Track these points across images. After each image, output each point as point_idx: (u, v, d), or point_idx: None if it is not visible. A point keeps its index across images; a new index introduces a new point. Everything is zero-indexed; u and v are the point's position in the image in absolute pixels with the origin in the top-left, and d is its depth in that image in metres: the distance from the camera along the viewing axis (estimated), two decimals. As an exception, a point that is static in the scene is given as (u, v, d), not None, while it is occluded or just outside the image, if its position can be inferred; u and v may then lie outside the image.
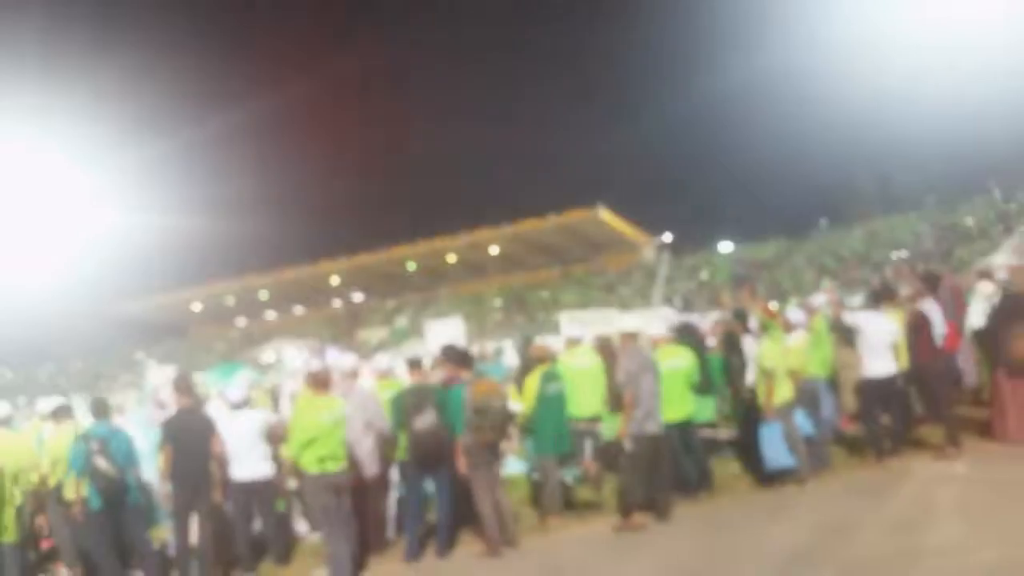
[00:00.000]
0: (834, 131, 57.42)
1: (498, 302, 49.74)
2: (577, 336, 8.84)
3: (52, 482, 7.36)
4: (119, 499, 6.83)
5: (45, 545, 8.32)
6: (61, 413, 7.72)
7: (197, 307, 57.32)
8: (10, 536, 6.19)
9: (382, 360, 8.90)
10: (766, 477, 7.42)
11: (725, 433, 8.96)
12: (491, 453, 6.84)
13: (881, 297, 8.38)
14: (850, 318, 8.36)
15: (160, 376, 14.21)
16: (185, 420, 6.97)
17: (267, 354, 30.88)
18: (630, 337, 7.36)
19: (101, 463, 6.65)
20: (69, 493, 7.07)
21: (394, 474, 7.54)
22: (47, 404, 8.89)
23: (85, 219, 47.38)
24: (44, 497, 7.64)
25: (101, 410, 7.34)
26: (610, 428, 7.77)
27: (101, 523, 6.87)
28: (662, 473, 7.05)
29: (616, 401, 7.16)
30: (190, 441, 6.84)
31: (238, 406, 7.29)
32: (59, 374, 52.43)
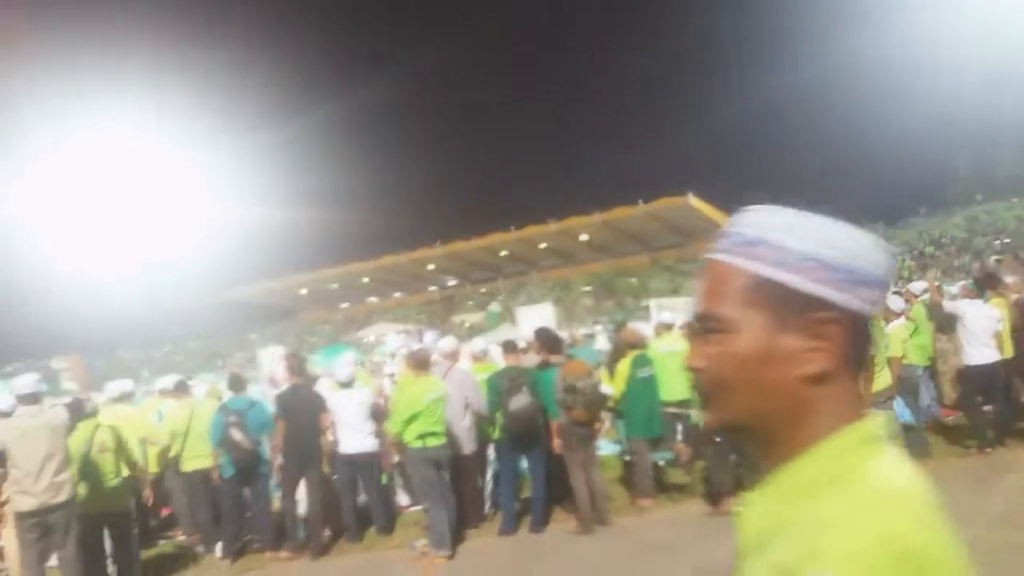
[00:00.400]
0: (933, 117, 54.73)
1: (587, 288, 49.79)
2: (668, 321, 8.93)
3: (171, 453, 7.96)
4: (251, 469, 7.35)
5: (164, 512, 9.00)
6: (180, 389, 8.30)
7: (304, 292, 59.67)
8: (120, 504, 6.70)
9: (478, 343, 9.21)
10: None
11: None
12: (584, 432, 7.03)
13: (985, 285, 8.14)
14: (951, 306, 8.16)
15: (270, 356, 15.02)
16: (296, 396, 7.41)
17: (369, 336, 31.98)
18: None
19: (236, 434, 7.17)
20: (188, 464, 7.65)
21: (490, 452, 7.83)
22: (166, 381, 9.58)
23: (202, 209, 49.95)
24: (163, 468, 8.27)
25: (238, 385, 7.91)
26: (700, 413, 7.83)
27: (231, 489, 7.43)
28: (748, 459, 7.11)
29: None
30: (300, 416, 7.28)
31: (346, 384, 7.71)
32: (176, 353, 55.57)
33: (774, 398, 0.88)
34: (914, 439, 7.56)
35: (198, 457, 7.60)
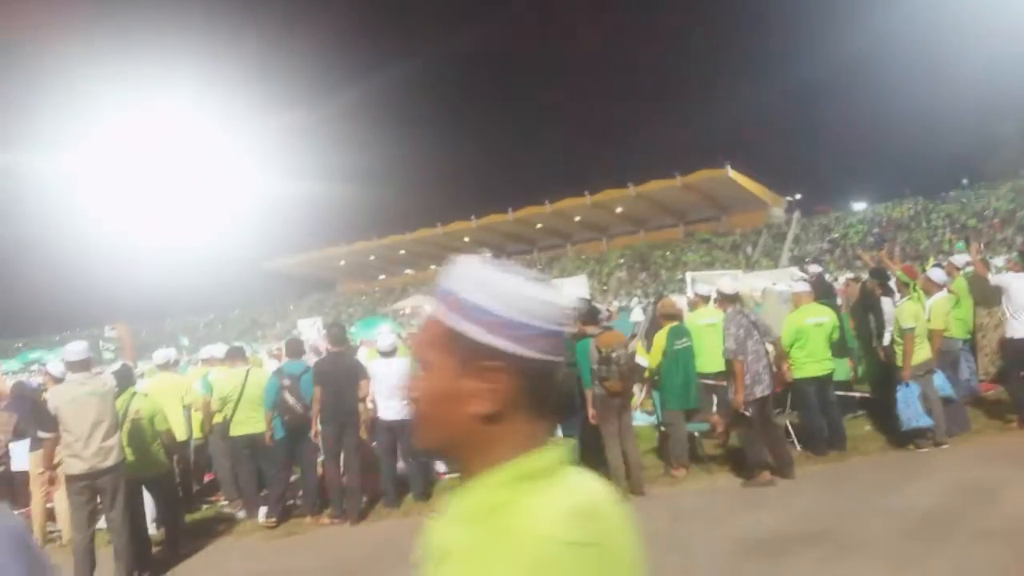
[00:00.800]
0: (977, 88, 53.14)
1: (621, 261, 49.57)
2: (705, 293, 8.90)
3: (218, 419, 8.14)
4: (301, 432, 7.52)
5: (207, 478, 9.24)
6: (235, 355, 8.50)
7: (342, 263, 60.33)
8: (157, 469, 6.92)
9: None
10: (900, 438, 7.31)
11: (859, 393, 8.82)
12: (619, 402, 7.06)
13: (1031, 257, 7.97)
14: (997, 279, 8.00)
15: (309, 326, 15.25)
16: (334, 364, 7.53)
17: (405, 308, 32.17)
18: (730, 300, 7.32)
19: (289, 398, 7.34)
20: (237, 429, 7.83)
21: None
22: (212, 349, 9.79)
23: (244, 183, 50.59)
24: (207, 433, 8.47)
25: (295, 350, 8.11)
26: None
27: (280, 451, 7.60)
28: (774, 431, 7.13)
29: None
30: (340, 383, 7.40)
31: (387, 353, 7.82)
32: (218, 322, 56.57)
33: (454, 431, 1.00)
34: (954, 413, 7.47)
35: (247, 422, 7.76)
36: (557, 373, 1.02)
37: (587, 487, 1.01)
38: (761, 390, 6.91)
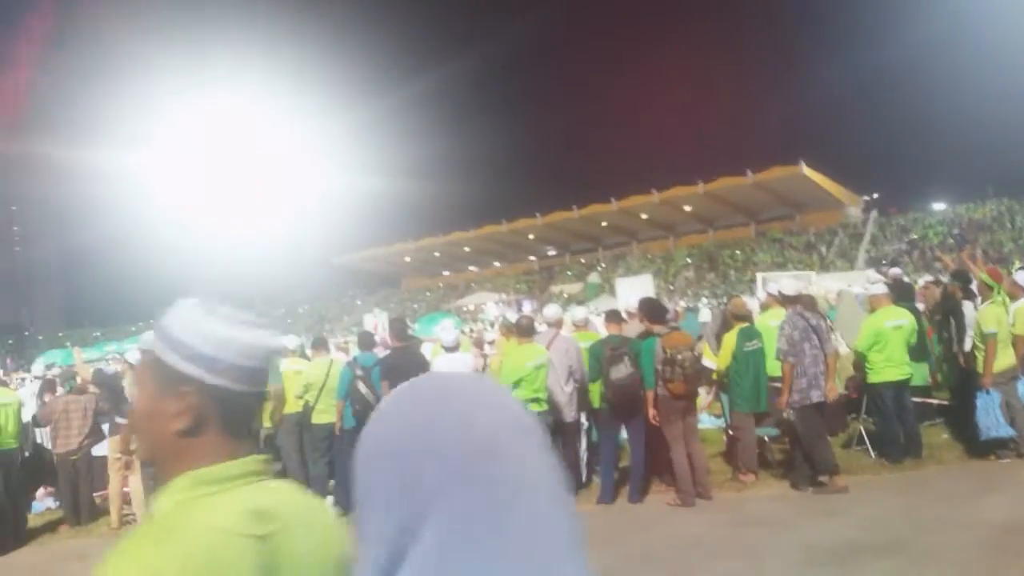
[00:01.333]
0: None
1: (689, 260, 48.87)
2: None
3: (292, 408, 8.33)
4: None
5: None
6: (319, 345, 8.69)
7: (408, 259, 61.13)
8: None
9: (579, 312, 9.20)
10: (979, 448, 7.02)
11: (938, 399, 8.51)
12: (684, 404, 6.96)
13: None
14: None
15: (375, 321, 15.50)
16: (401, 357, 7.64)
17: (468, 305, 32.55)
18: (792, 301, 7.15)
19: (362, 388, 7.52)
20: (320, 417, 8.00)
21: (584, 421, 7.83)
22: (284, 340, 10.03)
23: (312, 179, 51.78)
24: (276, 424, 8.67)
25: (367, 342, 8.30)
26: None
27: (352, 441, 7.73)
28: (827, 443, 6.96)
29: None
30: (405, 376, 7.44)
31: (451, 348, 7.88)
32: (287, 316, 58.02)
33: (158, 443, 1.19)
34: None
35: (329, 411, 7.99)
36: (249, 400, 1.20)
37: (274, 493, 1.18)
38: (818, 395, 6.75)
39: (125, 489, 8.17)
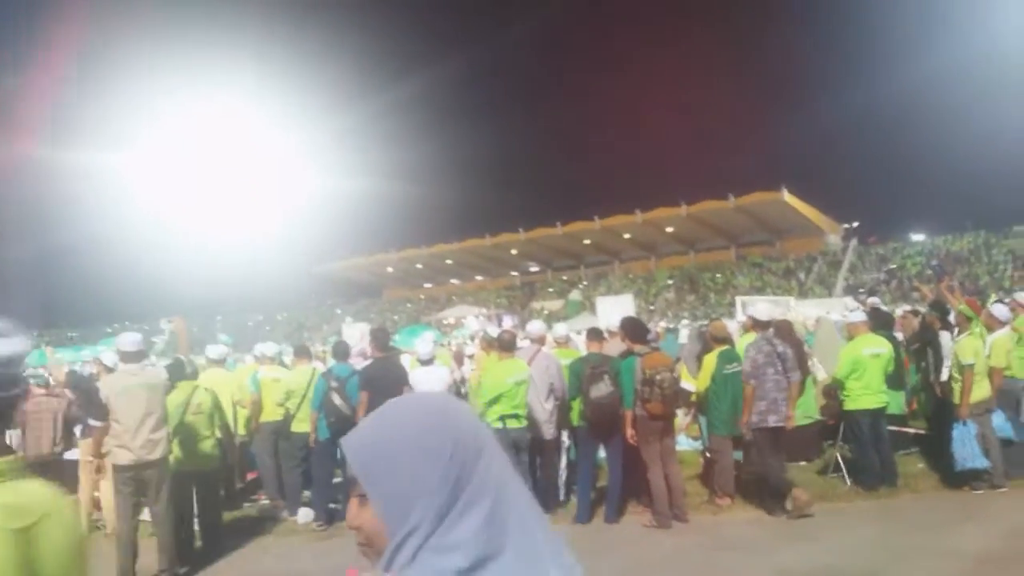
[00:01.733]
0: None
1: (670, 282, 49.11)
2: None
3: (269, 417, 8.24)
4: (345, 433, 7.53)
5: (250, 476, 9.32)
6: (302, 353, 8.59)
7: (390, 270, 60.93)
8: (210, 464, 6.98)
9: (560, 329, 9.20)
10: (954, 478, 7.06)
11: (914, 428, 8.56)
12: (662, 425, 6.95)
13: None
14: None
15: (355, 331, 15.41)
16: (381, 368, 7.57)
17: (449, 318, 32.45)
18: (762, 326, 7.22)
19: (336, 400, 7.40)
20: (299, 426, 7.90)
21: (565, 439, 7.80)
22: (263, 348, 9.91)
23: (295, 184, 51.54)
24: (251, 432, 8.57)
25: (342, 353, 8.15)
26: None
27: (326, 453, 7.66)
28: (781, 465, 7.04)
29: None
30: (384, 387, 7.41)
31: (426, 361, 7.84)
32: (266, 323, 57.52)
33: None
34: (1014, 455, 7.19)
35: (308, 420, 7.86)
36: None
37: (27, 491, 1.33)
38: (775, 420, 6.82)
39: (95, 494, 8.02)
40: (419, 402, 1.10)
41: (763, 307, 7.72)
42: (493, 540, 0.95)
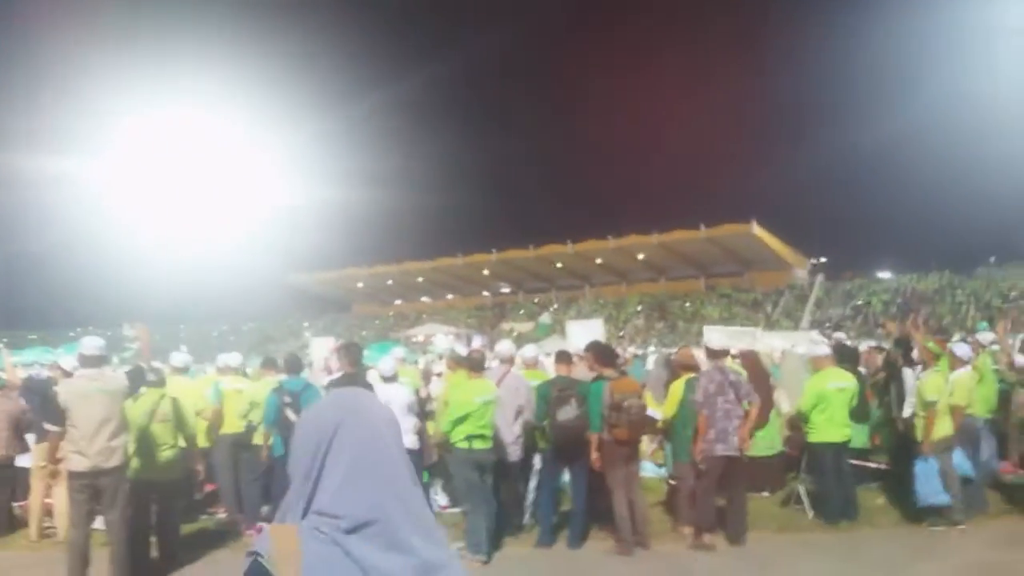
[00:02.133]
0: (1012, 164, 53.15)
1: (639, 308, 49.40)
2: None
3: (230, 429, 8.09)
4: None
5: (208, 488, 9.13)
6: (269, 364, 8.43)
7: (360, 285, 60.54)
8: (172, 474, 6.83)
9: (529, 350, 9.16)
10: (915, 514, 7.12)
11: (875, 463, 8.64)
12: (627, 451, 6.93)
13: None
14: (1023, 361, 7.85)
15: (321, 346, 15.23)
16: (349, 382, 7.44)
17: (418, 336, 32.29)
18: (716, 355, 7.26)
19: (291, 415, 7.23)
20: (258, 439, 7.75)
21: (537, 462, 7.73)
22: (226, 358, 9.75)
23: (264, 193, 51.09)
24: (212, 443, 8.40)
25: (295, 366, 7.99)
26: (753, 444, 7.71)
27: (280, 470, 7.50)
28: (737, 497, 7.05)
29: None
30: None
31: (388, 379, 7.76)
32: (231, 333, 56.72)
33: None
34: (972, 493, 7.28)
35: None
36: None
37: None
38: (723, 449, 6.85)
39: (47, 500, 7.80)
40: (327, 397, 1.48)
41: (716, 336, 7.76)
42: (355, 502, 1.27)
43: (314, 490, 1.30)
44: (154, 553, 6.75)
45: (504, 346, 8.22)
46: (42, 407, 7.46)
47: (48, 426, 6.09)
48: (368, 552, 1.24)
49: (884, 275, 47.37)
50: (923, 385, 7.34)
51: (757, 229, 44.05)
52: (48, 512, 7.82)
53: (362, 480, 1.27)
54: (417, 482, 1.35)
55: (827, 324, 37.31)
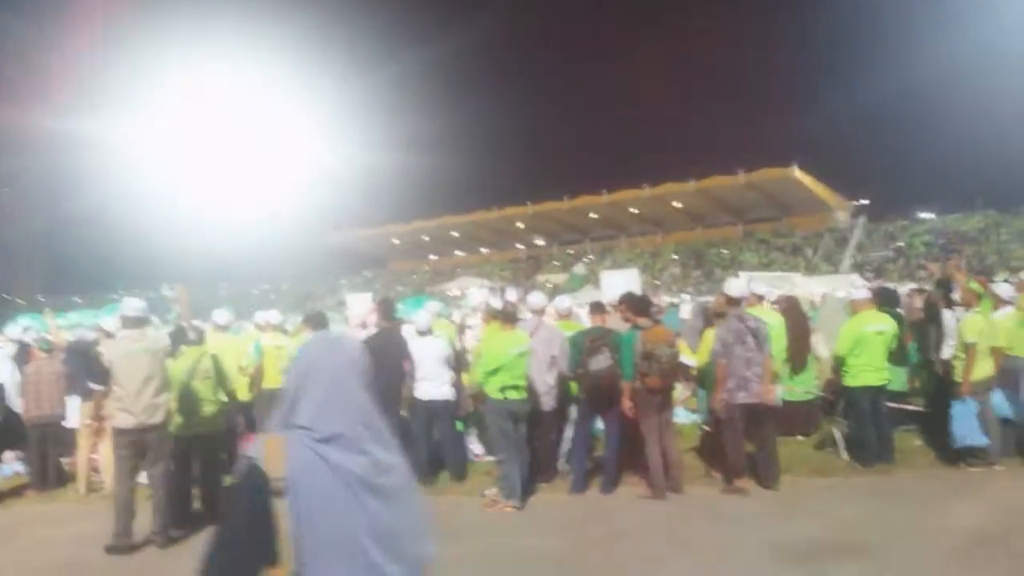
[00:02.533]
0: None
1: (676, 257, 48.95)
2: (761, 293, 8.69)
3: (280, 382, 8.25)
4: None
5: (250, 439, 9.37)
6: (314, 320, 8.61)
7: (396, 241, 60.89)
8: (214, 429, 6.98)
9: (563, 302, 9.17)
10: (952, 455, 7.07)
11: (914, 405, 8.56)
12: (659, 399, 6.96)
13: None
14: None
15: (358, 302, 15.43)
16: (384, 339, 7.58)
17: (453, 290, 32.49)
18: (734, 303, 7.16)
19: None
20: None
21: (573, 411, 7.79)
22: (265, 315, 9.92)
23: (303, 154, 51.40)
24: (255, 396, 8.62)
25: (320, 323, 8.15)
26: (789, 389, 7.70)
27: None
28: (766, 442, 6.99)
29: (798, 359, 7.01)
30: (386, 358, 7.43)
31: (423, 332, 7.85)
32: (272, 292, 57.66)
33: None
34: (1012, 435, 7.19)
35: None
36: None
37: None
38: (744, 396, 6.81)
39: (94, 456, 8.10)
40: (306, 343, 1.97)
41: (734, 283, 7.62)
42: (326, 420, 1.74)
43: (296, 411, 1.75)
44: (197, 504, 7.00)
45: (535, 297, 8.24)
46: (86, 368, 7.70)
47: (93, 385, 6.29)
48: (336, 454, 1.70)
49: (927, 215, 46.18)
50: (963, 326, 7.22)
51: (798, 172, 43.13)
52: (94, 468, 8.13)
53: (332, 405, 1.75)
54: (375, 408, 1.83)
55: (868, 267, 36.71)
